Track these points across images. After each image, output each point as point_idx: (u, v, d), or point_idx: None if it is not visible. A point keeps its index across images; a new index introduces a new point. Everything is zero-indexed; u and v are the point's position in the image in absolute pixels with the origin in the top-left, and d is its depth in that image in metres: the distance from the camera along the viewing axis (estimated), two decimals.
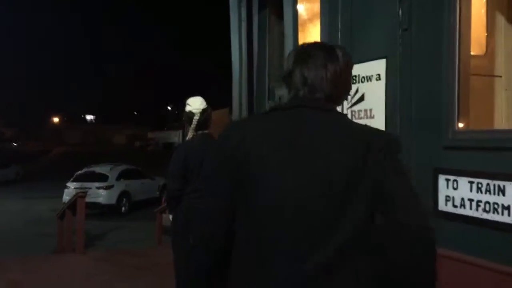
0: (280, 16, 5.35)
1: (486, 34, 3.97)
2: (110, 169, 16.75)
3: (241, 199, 1.66)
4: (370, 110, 4.05)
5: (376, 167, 1.62)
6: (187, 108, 4.05)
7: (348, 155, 1.63)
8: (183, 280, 3.97)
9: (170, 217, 4.09)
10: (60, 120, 69.01)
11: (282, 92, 5.37)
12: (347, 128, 1.76)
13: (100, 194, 15.44)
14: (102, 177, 16.03)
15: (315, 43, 1.90)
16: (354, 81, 4.22)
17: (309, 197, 1.58)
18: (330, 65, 1.77)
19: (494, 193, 3.02)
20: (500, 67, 3.99)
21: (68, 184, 15.82)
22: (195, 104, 4.03)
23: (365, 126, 1.86)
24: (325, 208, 1.57)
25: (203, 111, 4.02)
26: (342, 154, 1.63)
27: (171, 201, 3.99)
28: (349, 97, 4.24)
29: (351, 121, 1.95)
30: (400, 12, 3.67)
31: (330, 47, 1.86)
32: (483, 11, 3.94)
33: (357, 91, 4.21)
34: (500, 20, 3.98)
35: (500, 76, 3.97)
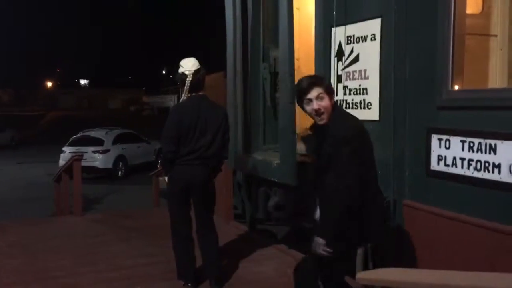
0: None
1: None
2: (106, 133, 16.72)
3: None
4: (365, 70, 4.04)
5: None
6: (180, 70, 4.01)
7: None
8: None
9: (166, 179, 4.12)
10: (53, 84, 68.34)
11: (276, 53, 5.33)
12: None
13: (96, 158, 15.46)
14: (98, 141, 16.02)
15: None
16: (349, 42, 4.19)
17: None
18: None
19: (485, 152, 3.06)
20: (495, 26, 3.95)
21: (64, 148, 15.81)
22: (188, 65, 3.99)
23: None
24: None
25: (196, 72, 3.98)
26: None
27: (167, 163, 4.02)
28: (343, 58, 4.22)
29: None
30: None
31: None
32: None
33: (351, 51, 4.18)
34: None
35: (496, 35, 3.94)
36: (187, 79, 3.96)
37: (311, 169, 3.31)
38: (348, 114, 3.05)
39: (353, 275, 2.87)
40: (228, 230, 5.76)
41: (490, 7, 3.97)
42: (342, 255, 2.89)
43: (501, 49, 3.89)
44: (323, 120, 2.85)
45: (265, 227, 6.18)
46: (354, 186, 2.72)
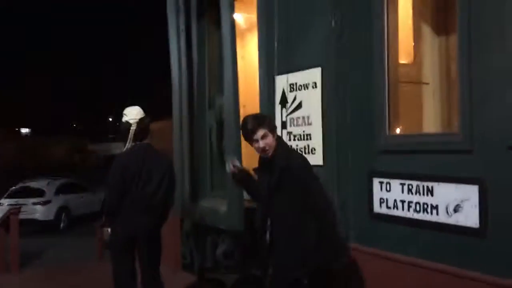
0: (218, 25, 5.38)
1: (413, 43, 4.18)
2: (47, 183, 16.05)
3: None
4: (308, 117, 4.15)
5: None
6: (124, 118, 3.97)
7: None
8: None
9: (109, 230, 3.99)
10: None
11: (222, 101, 5.39)
12: None
13: (36, 210, 14.73)
14: (38, 192, 15.32)
15: None
16: (292, 89, 4.32)
17: None
18: None
19: (423, 194, 3.18)
20: (427, 74, 4.21)
21: (1, 201, 15.01)
22: (132, 113, 3.96)
23: None
24: None
25: (140, 121, 3.94)
26: None
27: (110, 213, 3.90)
28: (287, 105, 4.34)
29: None
30: (333, 22, 3.81)
31: None
32: (410, 21, 4.16)
33: (294, 98, 4.30)
34: (426, 30, 4.21)
35: (428, 83, 4.19)
36: (131, 128, 3.92)
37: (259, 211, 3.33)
38: (291, 147, 3.44)
39: None
40: (176, 280, 5.59)
41: (421, 57, 4.24)
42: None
43: (433, 96, 4.13)
44: (268, 154, 3.14)
45: (214, 276, 6.04)
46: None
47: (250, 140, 3.15)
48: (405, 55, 4.09)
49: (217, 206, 5.09)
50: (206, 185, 5.70)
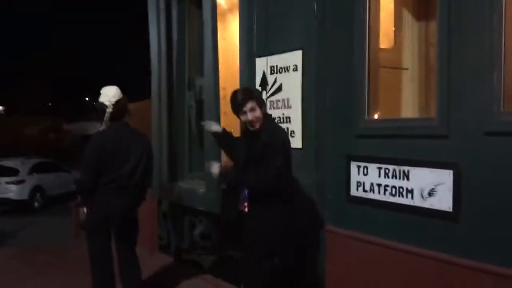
0: (199, 5, 5.31)
1: (394, 28, 4.21)
2: (21, 162, 15.78)
3: None
4: (288, 99, 4.15)
5: None
6: (100, 99, 3.89)
7: None
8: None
9: (84, 209, 3.95)
10: None
11: (202, 82, 5.36)
12: None
13: (10, 189, 14.50)
14: (12, 171, 15.06)
15: None
16: (272, 72, 4.31)
17: None
18: None
19: (399, 178, 3.24)
20: (406, 60, 4.25)
21: None
22: (108, 95, 3.87)
23: None
24: None
25: (117, 103, 3.87)
26: None
27: (84, 192, 3.85)
28: (267, 87, 4.33)
29: None
30: (315, 5, 3.79)
31: None
32: (391, 6, 4.17)
33: (275, 81, 4.29)
34: (407, 15, 4.24)
35: (407, 69, 4.23)
36: (107, 109, 3.85)
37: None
38: (277, 123, 3.57)
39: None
40: (152, 262, 5.59)
41: (401, 42, 4.26)
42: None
43: (412, 81, 4.18)
44: (255, 127, 3.28)
45: (191, 257, 6.06)
46: (278, 179, 3.12)
47: (239, 112, 3.29)
48: (385, 40, 4.11)
49: (195, 187, 5.09)
50: (185, 166, 5.69)
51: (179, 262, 5.80)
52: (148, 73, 6.11)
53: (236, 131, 4.98)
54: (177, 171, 5.65)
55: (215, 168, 3.41)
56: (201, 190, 4.89)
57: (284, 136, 3.33)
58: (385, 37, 4.10)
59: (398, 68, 4.17)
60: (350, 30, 3.60)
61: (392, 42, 4.24)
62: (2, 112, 68.54)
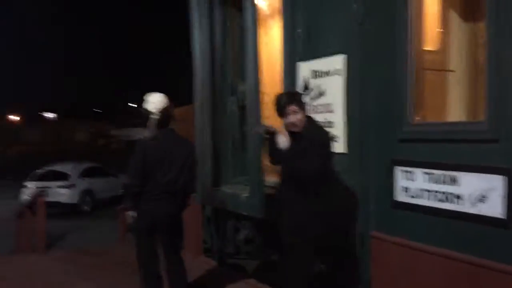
0: (241, 11, 5.36)
1: (439, 29, 4.10)
2: (72, 167, 16.37)
3: None
4: (330, 104, 4.12)
5: None
6: (145, 106, 3.96)
7: None
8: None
9: (131, 213, 4.05)
10: (18, 118, 66.76)
11: (244, 87, 5.39)
12: None
13: (61, 193, 15.06)
14: (63, 176, 15.65)
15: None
16: (315, 76, 4.29)
17: None
18: None
19: (448, 183, 3.14)
20: (453, 62, 4.12)
21: (27, 183, 15.38)
22: (154, 102, 3.94)
23: None
24: None
25: (164, 110, 3.94)
26: None
27: (130, 196, 3.95)
28: (309, 92, 4.31)
29: None
30: (356, 7, 3.75)
31: None
32: (436, 7, 4.06)
33: (317, 86, 4.28)
34: (453, 16, 4.12)
35: (454, 71, 4.11)
36: (153, 116, 3.93)
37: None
38: (319, 125, 3.65)
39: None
40: (197, 265, 5.66)
41: (447, 44, 4.15)
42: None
43: (459, 84, 4.05)
44: (296, 129, 3.43)
45: (234, 261, 6.10)
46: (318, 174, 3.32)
47: (282, 114, 3.46)
48: (430, 42, 4.01)
49: (239, 192, 5.12)
50: (228, 171, 5.73)
51: (223, 266, 5.85)
52: (190, 78, 6.21)
53: None
54: (220, 176, 5.70)
55: (281, 139, 3.43)
56: (244, 195, 4.92)
57: (323, 138, 3.46)
58: (430, 39, 4.00)
59: (444, 70, 4.06)
60: (392, 32, 3.54)
61: (437, 44, 4.13)
62: (54, 119, 71.37)
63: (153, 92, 4.06)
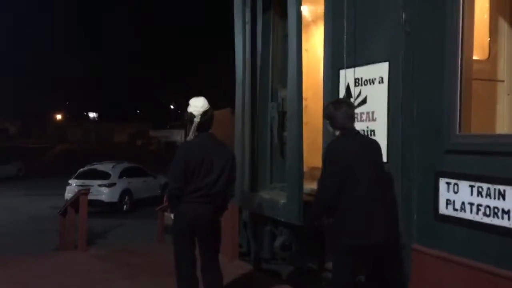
0: (284, 17, 5.37)
1: (489, 38, 3.99)
2: (113, 167, 16.80)
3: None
4: (373, 112, 4.07)
5: None
6: (189, 109, 4.05)
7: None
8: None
9: (172, 215, 4.11)
10: (62, 117, 69.05)
11: (285, 93, 5.39)
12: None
13: (102, 192, 15.47)
14: (104, 175, 16.08)
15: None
16: (357, 84, 4.25)
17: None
18: None
19: (494, 197, 3.04)
20: (502, 71, 4.01)
21: (70, 181, 15.85)
22: (197, 106, 4.03)
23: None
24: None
25: (204, 113, 4.01)
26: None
27: (172, 199, 4.01)
28: (352, 100, 4.27)
29: None
30: (404, 16, 3.69)
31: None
32: (486, 16, 3.96)
33: (359, 93, 4.23)
34: (503, 25, 4.00)
35: (503, 81, 3.99)
36: (195, 119, 3.99)
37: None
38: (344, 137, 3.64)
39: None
40: (232, 269, 5.69)
41: (496, 53, 4.03)
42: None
43: (508, 94, 3.93)
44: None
45: (270, 266, 6.10)
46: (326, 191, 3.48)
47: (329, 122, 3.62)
48: (479, 51, 3.90)
49: (277, 198, 5.12)
50: (266, 176, 5.74)
51: (258, 271, 5.85)
52: (231, 82, 6.27)
53: (316, 141, 4.97)
54: (258, 181, 5.71)
55: None
56: (282, 201, 4.91)
57: (333, 151, 3.47)
58: (479, 48, 3.90)
59: (493, 80, 3.95)
60: (441, 41, 3.46)
61: (486, 53, 4.02)
62: (96, 119, 73.38)
63: (195, 96, 4.14)
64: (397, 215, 3.72)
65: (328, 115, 3.63)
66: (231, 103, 6.41)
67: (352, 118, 3.62)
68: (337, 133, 3.58)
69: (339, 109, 3.58)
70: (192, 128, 4.02)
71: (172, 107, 66.35)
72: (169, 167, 3.98)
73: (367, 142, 3.72)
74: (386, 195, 3.59)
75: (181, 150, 4.05)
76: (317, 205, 3.57)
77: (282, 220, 4.96)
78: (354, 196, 3.36)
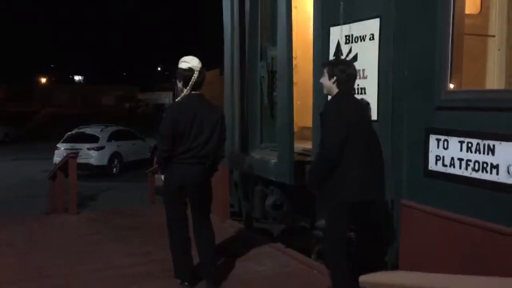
0: None
1: None
2: (101, 130, 16.66)
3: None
4: (363, 70, 4.03)
5: None
6: (185, 65, 3.91)
7: None
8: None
9: (162, 177, 4.10)
10: (47, 80, 67.89)
11: (274, 52, 5.32)
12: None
13: (91, 155, 15.39)
14: (92, 138, 15.96)
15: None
16: (348, 41, 4.19)
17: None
18: None
19: (484, 153, 3.07)
20: (493, 26, 3.96)
21: (59, 145, 15.72)
22: (194, 62, 3.92)
23: None
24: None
25: (201, 70, 3.93)
26: None
27: (162, 161, 4.00)
28: (342, 58, 4.22)
29: None
30: None
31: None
32: None
33: (350, 51, 4.18)
34: None
35: (494, 36, 3.95)
36: (194, 75, 3.90)
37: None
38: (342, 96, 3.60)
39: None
40: (224, 228, 5.76)
41: (488, 8, 3.98)
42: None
43: (499, 50, 3.91)
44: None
45: (261, 225, 6.18)
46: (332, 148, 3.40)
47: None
48: (471, 5, 3.85)
49: (268, 157, 5.13)
50: (256, 137, 5.73)
51: (250, 230, 5.93)
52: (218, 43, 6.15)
53: (306, 100, 4.94)
54: (248, 142, 5.71)
55: None
56: (273, 160, 4.92)
57: (335, 109, 3.42)
58: (471, 2, 3.83)
59: (484, 35, 3.91)
60: None
61: (478, 8, 3.97)
62: (82, 81, 72.29)
63: (187, 55, 4.03)
64: (386, 172, 3.75)
65: (335, 74, 3.48)
66: (218, 65, 6.33)
67: (354, 78, 3.57)
68: (334, 91, 3.51)
69: (346, 69, 3.51)
70: (189, 84, 3.92)
71: (159, 69, 65.43)
72: (158, 129, 3.93)
73: (360, 102, 3.76)
74: (377, 153, 3.62)
75: (170, 112, 3.99)
76: (323, 164, 3.44)
77: (273, 179, 4.98)
78: (354, 154, 3.35)
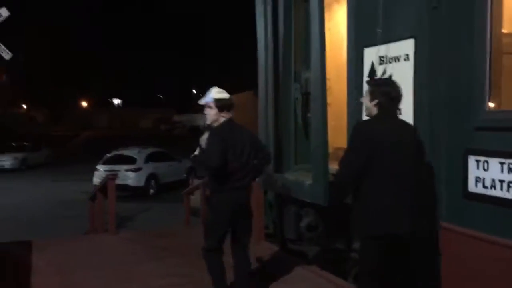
0: None
1: None
2: (138, 152, 17.05)
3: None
4: None
5: None
6: (218, 95, 4.03)
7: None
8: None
9: (198, 198, 4.15)
10: (88, 104, 70.05)
11: (308, 74, 5.35)
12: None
13: (128, 177, 15.73)
14: (130, 160, 16.33)
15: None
16: (382, 62, 4.17)
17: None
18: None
19: None
20: None
21: (98, 166, 16.16)
22: (224, 93, 4.07)
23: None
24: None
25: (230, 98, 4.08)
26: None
27: (202, 167, 4.11)
28: (376, 78, 4.20)
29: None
30: None
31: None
32: None
33: (384, 72, 4.16)
34: None
35: None
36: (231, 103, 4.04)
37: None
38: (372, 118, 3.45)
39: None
40: (259, 250, 5.74)
41: None
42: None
43: None
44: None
45: (296, 247, 6.13)
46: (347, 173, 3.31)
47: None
48: (509, 24, 3.78)
49: (302, 179, 5.12)
50: (290, 157, 5.73)
51: (284, 252, 5.89)
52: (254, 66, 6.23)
53: (341, 121, 4.93)
54: (283, 163, 5.72)
55: None
56: (308, 182, 4.91)
57: (359, 130, 3.27)
58: (509, 21, 3.77)
59: None
60: (469, 15, 3.36)
61: None
62: (120, 105, 74.21)
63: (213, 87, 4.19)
64: (432, 202, 3.61)
65: (377, 97, 3.26)
66: (251, 87, 6.41)
67: (399, 100, 3.29)
68: (373, 113, 3.28)
69: (391, 92, 3.28)
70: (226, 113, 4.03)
71: (194, 91, 66.53)
72: (206, 148, 3.95)
73: (401, 126, 3.35)
74: (419, 181, 3.30)
75: (217, 131, 4.00)
76: (338, 180, 3.62)
77: (308, 201, 4.96)
78: (379, 181, 3.10)
